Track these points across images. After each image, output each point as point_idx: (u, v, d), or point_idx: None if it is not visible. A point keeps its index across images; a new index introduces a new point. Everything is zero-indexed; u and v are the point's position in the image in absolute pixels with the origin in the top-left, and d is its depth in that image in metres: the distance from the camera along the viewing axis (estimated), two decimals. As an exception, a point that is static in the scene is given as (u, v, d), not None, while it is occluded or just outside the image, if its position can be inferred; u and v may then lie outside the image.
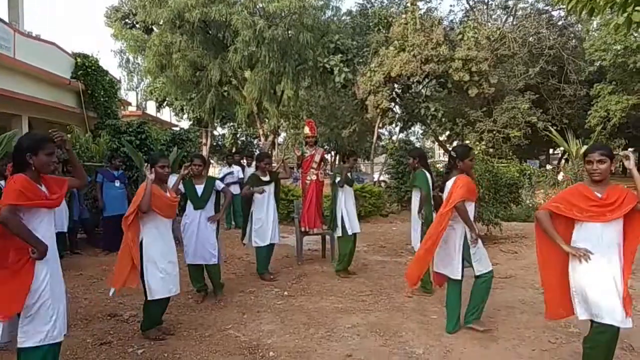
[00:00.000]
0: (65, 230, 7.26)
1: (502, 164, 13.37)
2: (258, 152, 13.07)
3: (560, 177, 13.11)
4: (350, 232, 6.02)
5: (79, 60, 13.59)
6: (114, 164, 7.78)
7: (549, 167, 18.53)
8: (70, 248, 7.68)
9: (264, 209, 5.92)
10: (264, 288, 5.45)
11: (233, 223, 10.17)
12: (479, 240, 4.02)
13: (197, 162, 5.17)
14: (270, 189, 6.01)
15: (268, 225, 5.89)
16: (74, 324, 4.32)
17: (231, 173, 10.04)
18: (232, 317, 4.48)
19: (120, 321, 4.41)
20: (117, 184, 7.66)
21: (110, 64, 70.89)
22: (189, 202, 5.14)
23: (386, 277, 5.94)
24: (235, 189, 9.84)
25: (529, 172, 14.92)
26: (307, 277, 5.94)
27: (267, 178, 6.02)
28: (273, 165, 6.24)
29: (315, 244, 7.94)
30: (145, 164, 4.17)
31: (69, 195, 7.27)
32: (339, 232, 6.01)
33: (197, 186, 5.09)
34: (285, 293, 5.24)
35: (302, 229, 6.79)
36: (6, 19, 11.64)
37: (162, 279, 3.88)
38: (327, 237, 7.05)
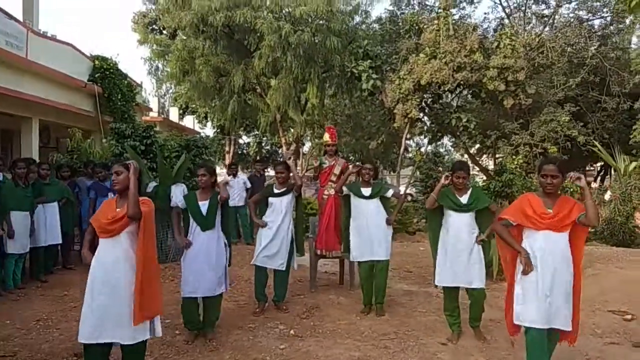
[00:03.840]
0: (59, 242, 6.59)
1: (542, 180, 12.26)
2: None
3: (607, 196, 11.91)
4: (352, 259, 5.15)
5: (96, 62, 13.15)
6: (100, 174, 7.13)
7: (593, 185, 17.17)
8: (63, 263, 7.00)
9: (274, 227, 5.06)
10: (267, 324, 4.59)
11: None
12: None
13: (201, 172, 4.30)
14: (284, 202, 5.13)
15: (274, 247, 5.00)
16: (31, 366, 3.55)
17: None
18: (222, 365, 3.64)
19: (89, 363, 3.61)
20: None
21: (140, 71, 71.85)
22: (192, 222, 4.28)
23: (415, 315, 5.00)
24: (241, 200, 9.28)
25: (571, 189, 13.75)
26: (320, 310, 5.05)
27: (281, 190, 5.16)
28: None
29: (334, 266, 7.06)
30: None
31: (64, 203, 6.60)
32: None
33: (201, 203, 4.25)
34: (292, 332, 4.36)
35: (318, 252, 5.91)
36: (20, 18, 11.23)
37: (88, 317, 3.06)
38: (347, 260, 6.15)
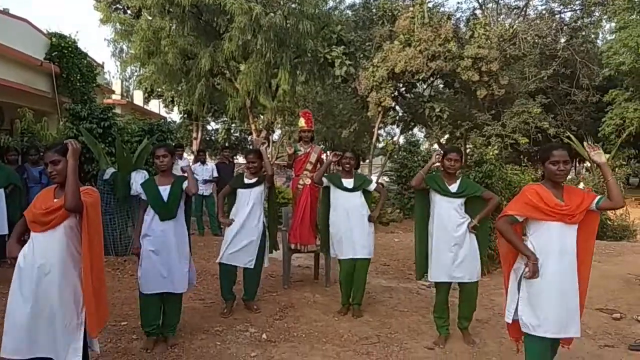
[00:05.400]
0: (5, 232, 5.96)
1: (514, 171, 12.21)
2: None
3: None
4: (333, 255, 4.78)
5: (54, 40, 12.27)
6: (32, 159, 6.57)
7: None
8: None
9: (240, 221, 4.58)
10: (236, 326, 4.14)
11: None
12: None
13: (162, 153, 3.76)
14: (253, 194, 4.67)
15: (240, 242, 4.53)
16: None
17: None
18: (185, 378, 3.20)
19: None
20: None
21: (104, 53, 69.38)
22: (149, 210, 3.75)
23: (396, 314, 4.64)
24: (208, 189, 8.77)
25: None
26: (295, 310, 4.63)
27: (252, 180, 4.69)
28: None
29: (307, 259, 6.67)
30: None
31: (11, 190, 5.97)
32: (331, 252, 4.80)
33: (161, 188, 3.73)
34: (264, 337, 3.93)
35: (292, 246, 5.48)
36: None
37: (14, 328, 2.58)
38: (322, 254, 5.74)
